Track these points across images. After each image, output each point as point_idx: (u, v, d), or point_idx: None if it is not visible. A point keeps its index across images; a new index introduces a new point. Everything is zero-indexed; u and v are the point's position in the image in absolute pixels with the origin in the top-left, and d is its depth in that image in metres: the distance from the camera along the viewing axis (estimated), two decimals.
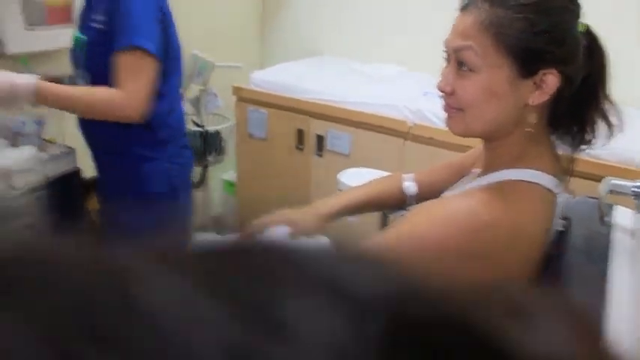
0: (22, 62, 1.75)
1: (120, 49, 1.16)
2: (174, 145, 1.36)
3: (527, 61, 0.78)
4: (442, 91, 0.87)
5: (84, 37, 1.23)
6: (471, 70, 0.81)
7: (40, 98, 1.16)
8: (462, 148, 1.38)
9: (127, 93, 1.17)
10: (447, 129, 0.89)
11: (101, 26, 1.19)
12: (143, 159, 1.32)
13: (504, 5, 0.78)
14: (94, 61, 1.23)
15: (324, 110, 2.24)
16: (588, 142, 0.85)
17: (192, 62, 2.24)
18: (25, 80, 1.14)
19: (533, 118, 0.81)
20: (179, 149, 1.38)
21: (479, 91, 0.81)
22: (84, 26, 1.25)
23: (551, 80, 0.78)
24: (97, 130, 1.30)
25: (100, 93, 1.19)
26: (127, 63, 1.15)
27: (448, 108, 0.87)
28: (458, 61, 0.82)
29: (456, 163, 1.18)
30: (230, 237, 1.16)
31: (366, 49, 2.75)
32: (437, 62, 0.88)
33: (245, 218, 2.58)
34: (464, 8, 0.81)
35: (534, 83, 0.79)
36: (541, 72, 0.78)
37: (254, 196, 2.58)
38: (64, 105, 1.18)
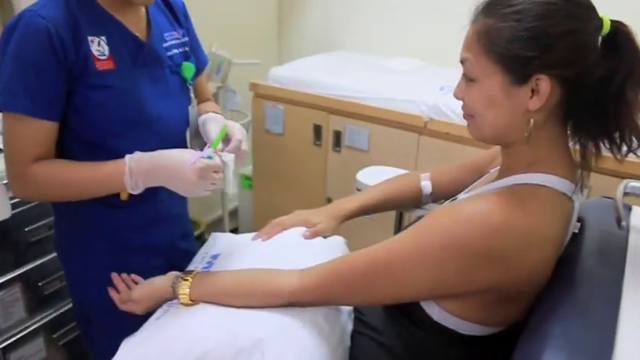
0: None
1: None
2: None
3: (516, 68, 0.79)
4: (456, 98, 0.89)
5: None
6: (471, 79, 0.83)
7: None
8: (479, 145, 1.38)
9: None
10: (463, 124, 0.91)
11: None
12: None
13: (493, 15, 0.80)
14: None
15: (341, 106, 2.22)
16: (628, 146, 0.81)
17: (211, 59, 2.25)
18: None
19: (532, 122, 0.81)
20: None
21: (479, 100, 0.83)
22: None
23: (544, 86, 0.78)
24: None
25: None
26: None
27: (463, 114, 0.89)
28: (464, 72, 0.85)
29: (473, 163, 1.18)
30: (248, 236, 1.18)
31: (383, 44, 2.72)
32: (454, 56, 0.89)
33: (261, 215, 2.61)
34: (472, 21, 0.84)
35: (531, 89, 0.79)
36: (534, 77, 0.78)
37: (271, 191, 2.58)
38: None
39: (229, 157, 1.10)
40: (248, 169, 2.76)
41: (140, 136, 1.14)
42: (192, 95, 1.27)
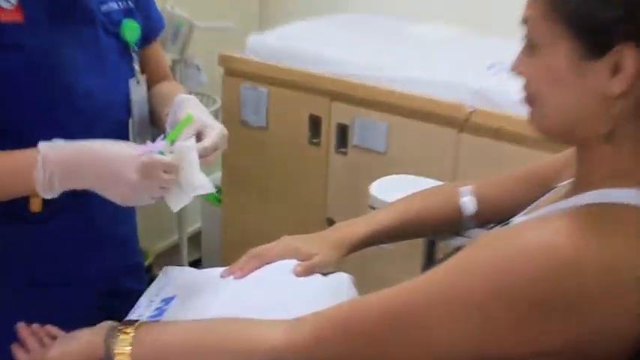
0: None
1: None
2: None
3: (590, 34, 0.80)
4: (514, 73, 0.90)
5: None
6: (534, 46, 0.85)
7: None
8: (544, 146, 1.38)
9: None
10: (521, 116, 0.91)
11: None
12: None
13: None
14: None
15: (349, 89, 2.22)
16: None
17: (166, 21, 2.27)
18: None
19: (614, 113, 0.82)
20: None
21: (542, 74, 0.84)
22: None
23: (629, 62, 0.79)
24: None
25: None
26: None
27: (524, 97, 0.90)
28: (525, 36, 0.86)
29: (534, 173, 1.19)
30: (214, 271, 1.19)
31: (407, 3, 2.73)
32: (509, 21, 0.90)
33: (234, 241, 2.62)
34: None
35: (612, 66, 0.80)
36: (615, 50, 0.79)
37: (247, 209, 2.58)
38: None
39: (189, 145, 1.10)
40: (215, 178, 2.77)
41: (61, 120, 1.15)
42: (136, 67, 1.28)
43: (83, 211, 1.24)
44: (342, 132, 2.27)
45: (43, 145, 1.07)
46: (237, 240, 2.61)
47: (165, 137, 1.11)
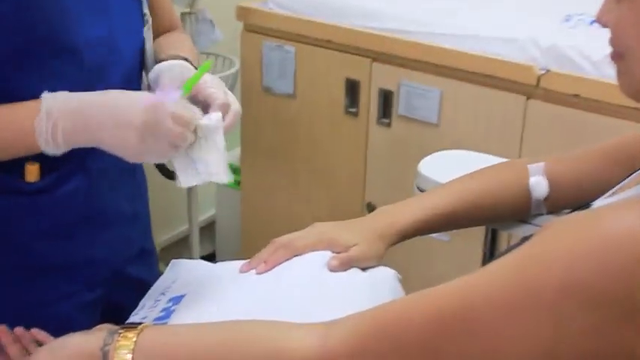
0: None
1: None
2: None
3: None
4: (599, 24, 0.89)
5: None
6: None
7: None
8: (632, 116, 1.38)
9: None
10: (604, 79, 0.90)
11: None
12: None
13: None
14: None
15: (394, 48, 2.22)
16: None
17: None
18: None
19: None
20: None
21: (630, 24, 0.84)
22: None
23: None
24: None
25: None
26: None
27: (611, 53, 0.89)
28: None
29: (619, 149, 1.18)
30: (232, 264, 1.21)
31: None
32: None
33: (255, 231, 2.65)
34: None
35: None
36: None
37: (271, 192, 2.59)
38: None
39: (217, 125, 1.14)
40: (233, 155, 2.79)
41: (60, 73, 1.17)
42: (146, 11, 1.30)
43: (85, 182, 1.27)
44: (385, 99, 2.27)
45: (46, 95, 1.11)
46: (258, 229, 2.62)
47: (181, 87, 1.14)
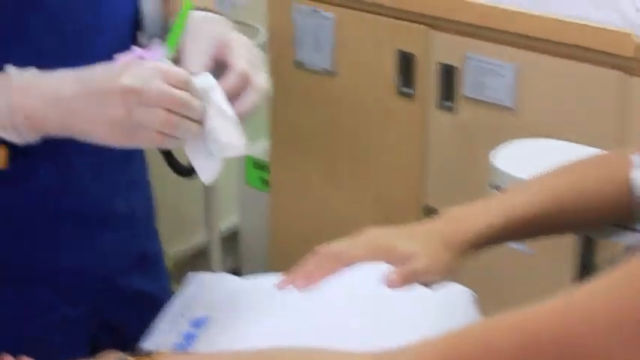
0: None
1: None
2: None
3: None
4: None
5: None
6: None
7: None
8: None
9: None
10: None
11: None
12: None
13: None
14: None
15: (457, 12, 2.24)
16: None
17: None
18: None
19: None
20: None
21: None
22: None
23: None
24: None
25: None
26: None
27: None
28: None
29: None
30: (266, 279, 1.21)
31: None
32: None
33: (287, 241, 2.65)
34: None
35: None
36: None
37: (309, 192, 2.60)
38: None
39: (208, 82, 1.11)
40: (259, 149, 2.79)
41: (32, 40, 1.18)
42: None
43: (61, 171, 1.26)
44: (448, 77, 2.28)
45: (14, 70, 1.12)
46: (291, 239, 2.62)
47: (165, 41, 1.12)
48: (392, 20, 2.33)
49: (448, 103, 2.30)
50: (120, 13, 1.28)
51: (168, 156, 2.32)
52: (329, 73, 2.46)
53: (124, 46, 1.23)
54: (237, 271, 3.07)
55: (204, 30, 1.20)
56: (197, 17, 1.21)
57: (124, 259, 1.39)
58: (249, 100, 1.13)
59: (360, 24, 2.38)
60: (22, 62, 1.12)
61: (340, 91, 2.46)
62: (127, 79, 1.04)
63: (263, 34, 2.60)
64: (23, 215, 1.26)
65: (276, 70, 2.50)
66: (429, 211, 2.29)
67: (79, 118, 1.09)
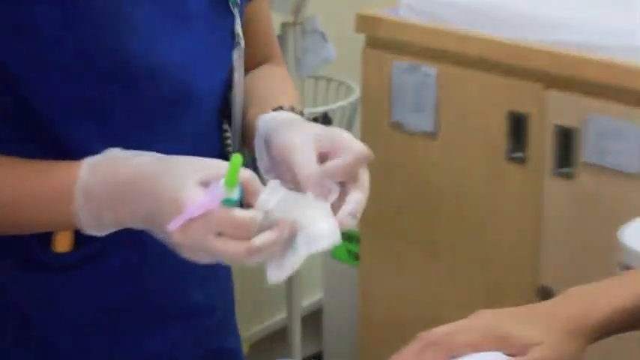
0: None
1: None
2: None
3: None
4: None
5: None
6: None
7: None
8: None
9: None
10: None
11: None
12: None
13: None
14: None
15: (576, 69, 2.23)
16: None
17: None
18: None
19: None
20: None
21: None
22: None
23: None
24: None
25: None
26: None
27: None
28: None
29: None
30: None
31: None
32: None
33: (380, 322, 2.62)
34: None
35: None
36: None
37: (403, 269, 2.59)
38: None
39: (274, 185, 1.09)
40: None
41: (110, 112, 1.20)
42: (238, 30, 1.29)
43: (136, 258, 1.27)
44: (566, 141, 2.28)
45: (88, 163, 1.13)
46: (382, 320, 2.61)
47: (224, 182, 1.10)
48: (502, 77, 2.34)
49: (566, 170, 2.28)
50: (211, 82, 1.29)
51: None
52: (430, 136, 2.47)
53: (210, 120, 1.31)
54: (319, 357, 3.07)
55: (299, 127, 1.20)
56: (295, 117, 1.24)
57: (197, 354, 1.39)
58: (355, 199, 1.12)
59: (465, 81, 2.39)
60: (93, 143, 1.15)
61: (442, 155, 2.47)
62: (179, 241, 1.05)
63: (356, 92, 2.61)
64: (86, 303, 1.27)
65: (370, 131, 2.55)
66: (545, 293, 2.27)
67: (148, 225, 1.12)
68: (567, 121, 2.26)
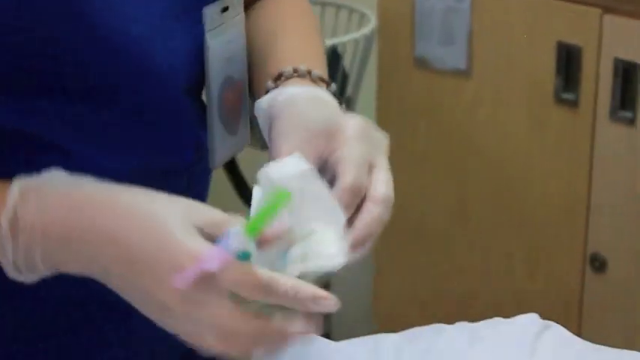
0: None
1: None
2: None
3: None
4: None
5: None
6: None
7: None
8: None
9: None
10: None
11: None
12: None
13: None
14: None
15: None
16: None
17: None
18: None
19: None
20: None
21: None
22: None
23: None
24: None
25: None
26: None
27: None
28: None
29: None
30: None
31: None
32: None
33: (394, 309, 2.59)
34: None
35: None
36: None
37: (423, 234, 2.53)
38: None
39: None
40: None
41: (59, 91, 1.19)
42: None
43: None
44: (627, 79, 2.23)
45: (19, 184, 1.12)
46: (401, 295, 2.58)
47: (245, 230, 1.05)
48: (550, 2, 2.28)
49: (627, 114, 2.25)
50: (181, 52, 1.27)
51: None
52: (462, 74, 2.46)
53: (183, 97, 1.30)
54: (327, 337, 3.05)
55: (303, 117, 1.17)
56: (295, 96, 1.21)
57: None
58: (368, 218, 1.09)
59: (505, 9, 2.36)
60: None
61: (476, 97, 2.45)
62: (182, 302, 1.03)
63: (372, 21, 2.60)
64: (44, 324, 1.30)
65: (388, 69, 2.55)
66: (599, 261, 2.26)
67: (125, 291, 1.10)
68: (630, 54, 2.20)
